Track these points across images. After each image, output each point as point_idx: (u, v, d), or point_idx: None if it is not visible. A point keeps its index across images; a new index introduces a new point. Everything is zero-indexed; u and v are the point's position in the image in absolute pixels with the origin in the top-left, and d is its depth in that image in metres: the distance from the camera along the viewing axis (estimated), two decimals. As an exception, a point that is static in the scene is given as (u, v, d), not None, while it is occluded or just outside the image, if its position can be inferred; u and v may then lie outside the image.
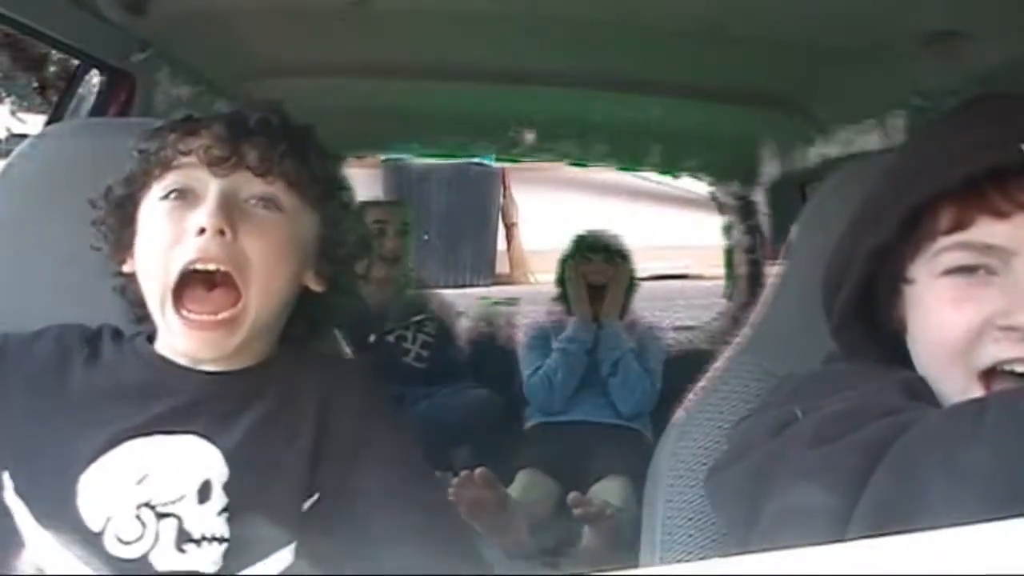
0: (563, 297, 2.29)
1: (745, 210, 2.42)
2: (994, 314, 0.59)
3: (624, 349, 2.16)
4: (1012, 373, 0.58)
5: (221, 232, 0.73)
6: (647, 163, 2.62)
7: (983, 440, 0.48)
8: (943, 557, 0.29)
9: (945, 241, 0.61)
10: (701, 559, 0.76)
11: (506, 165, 6.14)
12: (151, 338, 0.81)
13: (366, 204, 2.29)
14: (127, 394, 0.77)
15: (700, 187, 2.62)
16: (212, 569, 0.71)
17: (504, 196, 7.19)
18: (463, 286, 5.94)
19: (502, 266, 7.16)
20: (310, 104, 1.08)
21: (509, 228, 7.23)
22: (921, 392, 0.61)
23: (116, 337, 0.82)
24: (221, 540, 0.71)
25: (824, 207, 0.82)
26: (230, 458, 0.73)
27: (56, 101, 1.54)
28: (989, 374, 0.59)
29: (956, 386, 0.61)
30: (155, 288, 0.76)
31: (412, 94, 1.86)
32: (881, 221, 0.64)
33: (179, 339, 0.75)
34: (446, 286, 4.21)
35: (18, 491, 0.73)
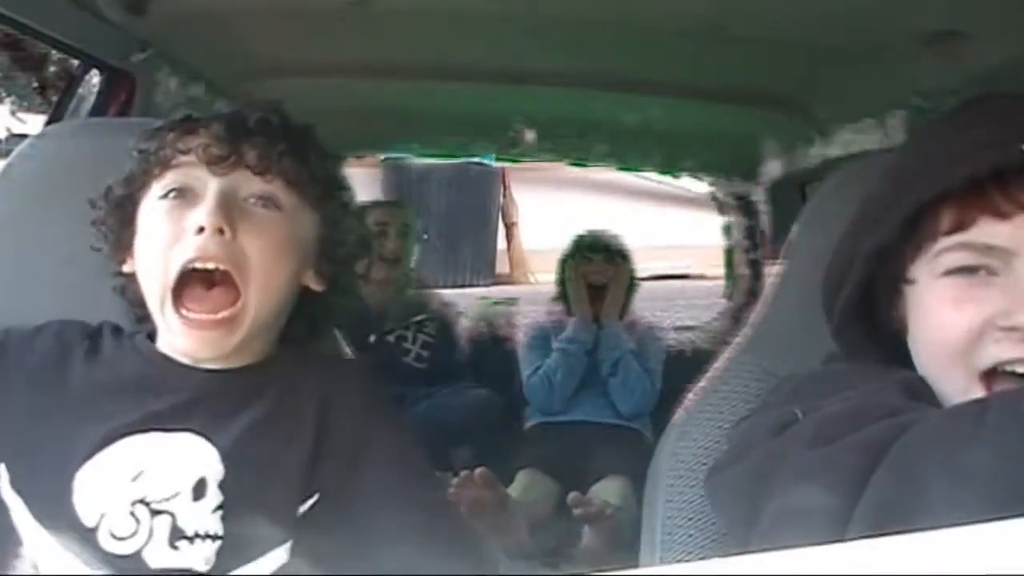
0: (563, 297, 2.29)
1: (745, 210, 2.42)
2: (995, 314, 0.59)
3: (624, 349, 2.16)
4: (1013, 374, 0.58)
5: (220, 231, 0.74)
6: (647, 163, 2.62)
7: (983, 440, 0.47)
8: (943, 557, 0.29)
9: (946, 241, 0.61)
10: (701, 559, 0.76)
11: (506, 165, 6.14)
12: (152, 336, 0.81)
13: (367, 205, 2.29)
14: (126, 390, 0.77)
15: (701, 186, 2.62)
16: (205, 567, 0.71)
17: (504, 196, 7.19)
18: (463, 286, 5.93)
19: (502, 266, 7.15)
20: (310, 104, 1.08)
21: (509, 228, 7.23)
22: (922, 392, 0.61)
23: (116, 334, 0.83)
24: (215, 538, 0.71)
25: (824, 207, 0.82)
26: (226, 456, 0.74)
27: (56, 101, 1.54)
28: (990, 374, 0.59)
29: (957, 386, 0.60)
30: (154, 287, 0.76)
31: (412, 94, 1.86)
32: (882, 221, 0.64)
33: (178, 338, 0.76)
34: (446, 286, 4.21)
35: (15, 486, 0.73)
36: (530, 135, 2.09)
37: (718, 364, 0.83)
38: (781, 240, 0.86)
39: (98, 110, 1.42)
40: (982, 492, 0.46)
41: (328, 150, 0.84)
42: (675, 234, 5.70)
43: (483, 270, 7.02)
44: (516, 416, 2.23)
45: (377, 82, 1.77)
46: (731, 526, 0.70)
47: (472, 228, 6.96)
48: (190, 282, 0.75)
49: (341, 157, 0.92)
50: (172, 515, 0.71)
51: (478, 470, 1.65)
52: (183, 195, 0.76)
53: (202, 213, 0.74)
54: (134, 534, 0.71)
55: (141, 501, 0.71)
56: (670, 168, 2.62)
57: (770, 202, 2.27)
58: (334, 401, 0.80)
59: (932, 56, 1.21)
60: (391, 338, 2.27)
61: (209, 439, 0.74)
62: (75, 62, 1.46)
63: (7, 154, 0.92)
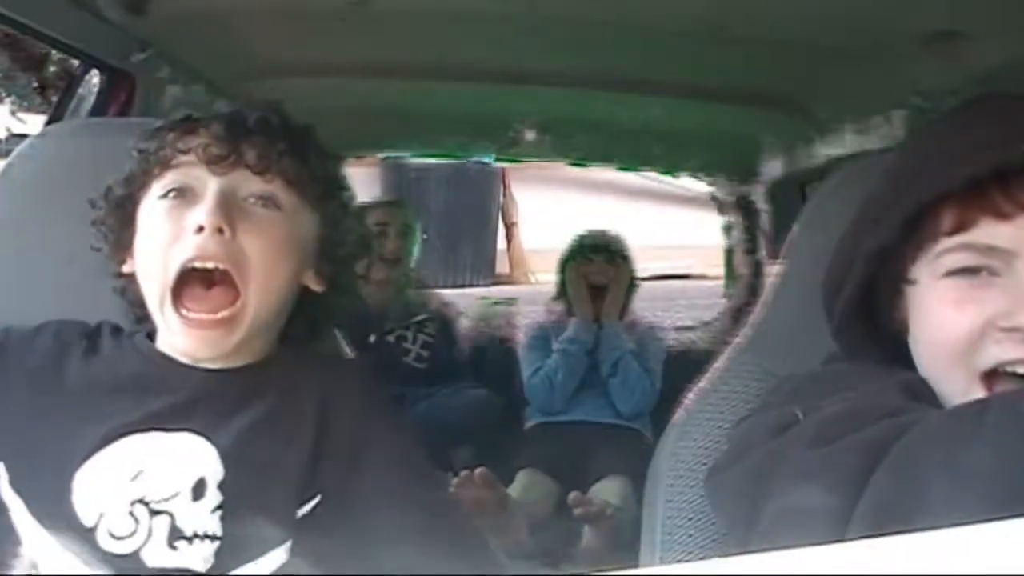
0: (563, 297, 2.29)
1: (745, 210, 2.42)
2: (996, 315, 0.58)
3: (624, 349, 2.16)
4: (1014, 374, 0.58)
5: (220, 230, 0.74)
6: (647, 163, 2.62)
7: (984, 441, 0.47)
8: (943, 557, 0.29)
9: (947, 242, 0.61)
10: (701, 559, 0.76)
11: (506, 164, 6.14)
12: (151, 336, 0.81)
13: (368, 205, 2.29)
14: (125, 390, 0.77)
15: (702, 186, 2.62)
16: (203, 567, 0.71)
17: (504, 195, 7.19)
18: (463, 286, 5.94)
19: (502, 266, 7.15)
20: (310, 104, 1.08)
21: (509, 227, 7.23)
22: (922, 393, 0.61)
23: (116, 333, 0.83)
24: (213, 538, 0.71)
25: (824, 207, 0.82)
26: (226, 456, 0.74)
27: (56, 101, 1.54)
28: (991, 375, 0.59)
29: (958, 387, 0.60)
30: (154, 287, 0.76)
31: (412, 94, 1.86)
32: (883, 222, 0.64)
33: (178, 338, 0.76)
34: (446, 286, 4.21)
35: (14, 485, 0.73)
36: (530, 135, 2.09)
37: (718, 364, 0.83)
38: (781, 240, 0.86)
39: (98, 110, 1.42)
40: (982, 492, 0.46)
41: (328, 150, 0.84)
42: (676, 234, 5.71)
43: (483, 270, 7.02)
44: (516, 416, 2.23)
45: (377, 82, 1.77)
46: (731, 526, 0.70)
47: (472, 228, 6.96)
48: (189, 281, 0.75)
49: (341, 157, 0.92)
50: (171, 515, 0.71)
51: (478, 470, 1.65)
52: (183, 195, 0.76)
53: (201, 212, 0.74)
54: (133, 534, 0.71)
55: (140, 501, 0.71)
56: (670, 168, 2.62)
57: (770, 202, 2.27)
58: (334, 401, 0.80)
59: (932, 56, 1.21)
60: (391, 338, 2.27)
61: (209, 439, 0.74)
62: (75, 62, 1.46)
63: (7, 154, 0.92)
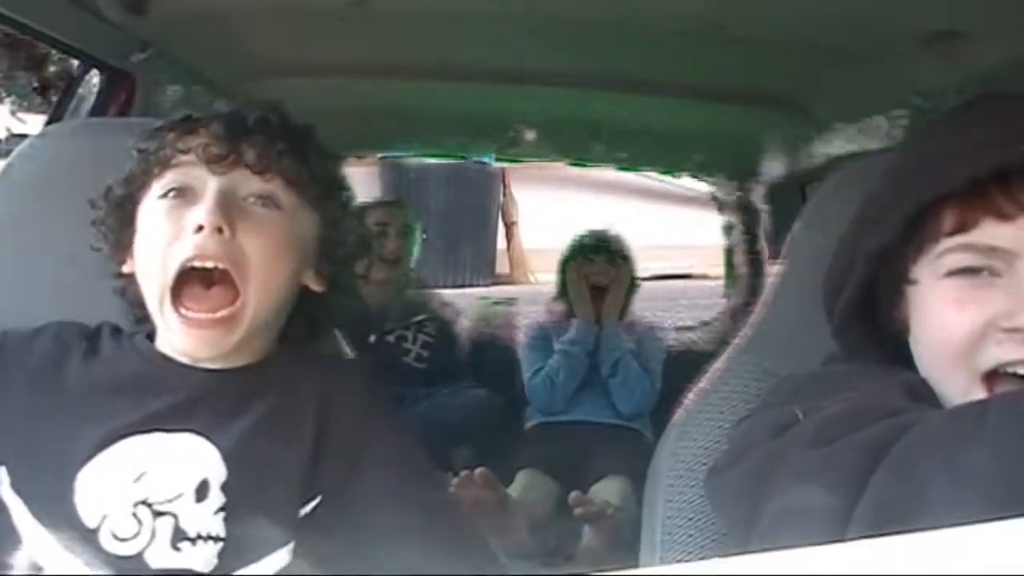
0: (564, 297, 2.28)
1: (745, 210, 2.42)
2: (997, 316, 0.58)
3: (624, 350, 2.16)
4: (1015, 375, 0.58)
5: (219, 230, 0.74)
6: (647, 163, 2.62)
7: (983, 441, 0.47)
8: (943, 557, 0.29)
9: (948, 243, 0.61)
10: (701, 559, 0.76)
11: (506, 164, 6.14)
12: (151, 336, 0.81)
13: (368, 205, 2.29)
14: (125, 390, 0.77)
15: (703, 185, 2.61)
16: (207, 568, 0.71)
17: (504, 194, 7.19)
18: (462, 286, 5.93)
19: (502, 266, 7.15)
20: (310, 104, 1.08)
21: (509, 227, 7.22)
22: (923, 394, 0.61)
23: (115, 334, 0.83)
24: (217, 539, 0.71)
25: (824, 207, 0.82)
26: (228, 457, 0.73)
27: (56, 101, 1.54)
28: (991, 376, 0.59)
29: (958, 388, 0.60)
30: (153, 286, 0.76)
31: (412, 94, 1.86)
32: (883, 222, 0.64)
33: (178, 337, 0.76)
34: (445, 286, 4.21)
35: (15, 487, 0.73)
36: (530, 135, 2.09)
37: (718, 364, 0.83)
38: (781, 240, 0.86)
39: (98, 110, 1.42)
40: (982, 493, 0.46)
41: (328, 150, 0.84)
42: (678, 233, 5.70)
43: (483, 270, 7.01)
44: (516, 416, 2.23)
45: (377, 82, 1.77)
46: (731, 527, 0.70)
47: (471, 227, 6.95)
48: (189, 281, 0.75)
49: (341, 157, 0.92)
50: (174, 516, 0.71)
51: (478, 470, 1.65)
52: (182, 194, 0.76)
53: (201, 212, 0.74)
54: (136, 535, 0.71)
55: (143, 502, 0.71)
56: (670, 168, 2.62)
57: (770, 202, 2.27)
58: (334, 401, 0.80)
59: (932, 56, 1.21)
60: (391, 338, 2.27)
61: (210, 440, 0.74)
62: (75, 62, 1.46)
63: (7, 154, 0.92)
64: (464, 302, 2.67)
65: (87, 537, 0.70)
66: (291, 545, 0.74)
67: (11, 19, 1.19)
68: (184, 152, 0.77)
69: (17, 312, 0.83)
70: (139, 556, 0.70)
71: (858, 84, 1.47)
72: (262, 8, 1.41)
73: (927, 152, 0.65)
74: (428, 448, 0.85)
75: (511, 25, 1.41)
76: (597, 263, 2.24)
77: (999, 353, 0.58)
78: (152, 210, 0.78)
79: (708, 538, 0.76)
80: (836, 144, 1.65)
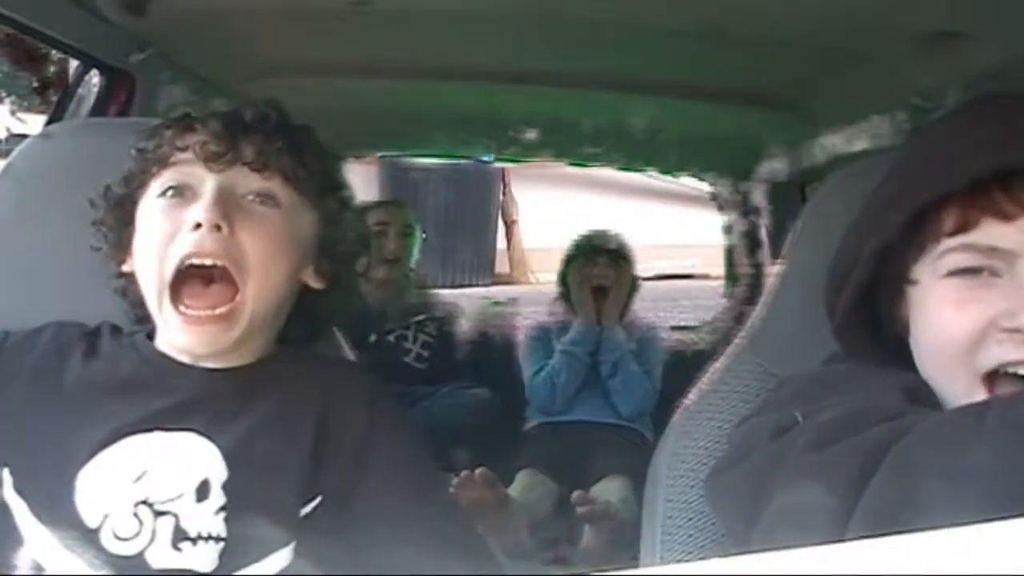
0: (565, 298, 2.28)
1: (745, 210, 2.42)
2: (997, 316, 0.58)
3: (624, 350, 2.16)
4: (1015, 375, 0.58)
5: (218, 227, 0.73)
6: (647, 163, 2.62)
7: (983, 442, 0.47)
8: (943, 557, 0.29)
9: (949, 243, 0.61)
10: (701, 559, 0.76)
11: (505, 165, 6.14)
12: (151, 336, 0.81)
13: (369, 205, 2.29)
14: (126, 390, 0.77)
15: (705, 184, 2.61)
16: (208, 568, 0.71)
17: (504, 193, 7.19)
18: (462, 286, 5.93)
19: (502, 265, 7.15)
20: (310, 104, 1.07)
21: (509, 226, 7.23)
22: (922, 396, 0.61)
23: (115, 333, 0.82)
24: (218, 539, 0.71)
25: (824, 207, 0.82)
26: (229, 457, 0.73)
27: (56, 101, 1.54)
28: (992, 376, 0.59)
29: (959, 388, 0.60)
30: (152, 284, 0.76)
31: (412, 94, 1.86)
32: (884, 222, 0.64)
33: (177, 334, 0.75)
34: (445, 286, 4.21)
35: (17, 487, 0.73)
36: (530, 135, 2.09)
37: (718, 364, 0.83)
38: (781, 240, 0.86)
39: (98, 110, 1.42)
40: (981, 494, 0.46)
41: (326, 148, 0.84)
42: (680, 233, 5.70)
43: (483, 269, 7.02)
44: (516, 416, 2.23)
45: (377, 82, 1.77)
46: (731, 529, 0.70)
47: (471, 226, 6.95)
48: (188, 278, 0.75)
49: (340, 156, 0.92)
50: (175, 516, 0.71)
51: (478, 470, 1.65)
52: (181, 193, 0.76)
53: (199, 209, 0.74)
54: (137, 535, 0.71)
55: (144, 502, 0.71)
56: (670, 168, 2.62)
57: (770, 202, 2.26)
58: (335, 401, 0.80)
59: (932, 56, 1.21)
60: (391, 338, 2.27)
61: (211, 439, 0.74)
62: (75, 62, 1.46)
63: (7, 154, 0.92)
64: (464, 302, 2.67)
65: (88, 537, 0.70)
66: (292, 545, 0.74)
67: (11, 19, 1.19)
68: (182, 150, 0.77)
69: (17, 312, 0.83)
70: (140, 556, 0.70)
71: (858, 84, 1.47)
72: (262, 8, 1.41)
73: (927, 152, 0.65)
74: (428, 448, 0.85)
75: (511, 25, 1.41)
76: (599, 264, 2.24)
77: (999, 353, 0.58)
78: (151, 209, 0.78)
79: (708, 538, 0.76)
80: (836, 144, 1.65)
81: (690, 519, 0.77)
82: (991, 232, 0.59)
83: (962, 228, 0.60)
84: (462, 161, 4.33)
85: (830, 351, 0.72)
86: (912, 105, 1.36)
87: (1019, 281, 0.59)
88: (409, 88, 1.81)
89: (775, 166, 2.04)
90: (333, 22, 1.44)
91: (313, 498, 0.76)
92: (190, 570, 0.70)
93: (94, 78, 1.44)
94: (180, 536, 0.71)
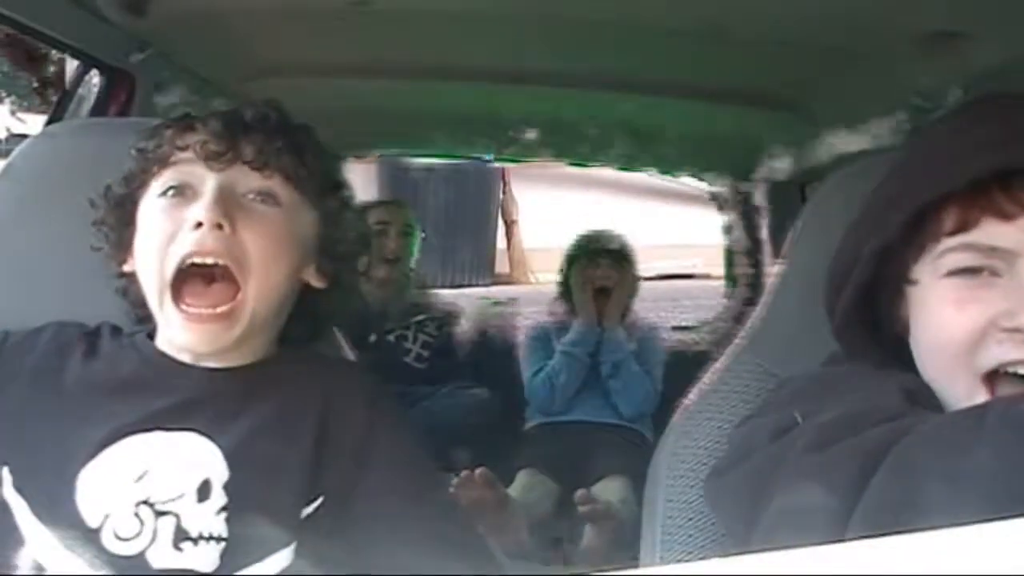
0: (566, 298, 2.28)
1: (745, 210, 2.42)
2: (998, 315, 0.58)
3: (626, 351, 2.16)
4: (1015, 375, 0.58)
5: (219, 226, 0.74)
6: (647, 163, 2.62)
7: (983, 443, 0.47)
8: (943, 557, 0.29)
9: (949, 242, 0.61)
10: (701, 559, 0.76)
11: (505, 165, 6.14)
12: (151, 336, 0.81)
13: (369, 205, 2.29)
14: (127, 390, 0.77)
15: (705, 184, 2.61)
16: (209, 568, 0.71)
17: (504, 193, 7.18)
18: (462, 286, 5.93)
19: (502, 265, 7.15)
20: (310, 104, 1.08)
21: (509, 226, 7.22)
22: (922, 397, 0.61)
23: (115, 334, 0.83)
24: (219, 539, 0.71)
25: (824, 207, 0.82)
26: (230, 457, 0.74)
27: (56, 101, 1.54)
28: (992, 376, 0.59)
29: (959, 388, 0.60)
30: (154, 284, 0.76)
31: (412, 94, 1.86)
32: (884, 222, 0.64)
33: (178, 332, 0.75)
34: (444, 286, 4.20)
35: (17, 486, 0.73)
36: (530, 135, 2.09)
37: (718, 364, 0.83)
38: (781, 240, 0.86)
39: (98, 110, 1.42)
40: (980, 496, 0.46)
41: (327, 147, 0.84)
42: (682, 233, 5.69)
43: (483, 269, 7.01)
44: (516, 416, 2.23)
45: (377, 82, 1.77)
46: (730, 530, 0.70)
47: (471, 226, 6.95)
48: (189, 277, 0.75)
49: (339, 155, 0.92)
50: (176, 516, 0.71)
51: (478, 470, 1.65)
52: (182, 192, 0.76)
53: (200, 208, 0.74)
54: (138, 535, 0.71)
55: (145, 502, 0.71)
56: (670, 168, 2.62)
57: (770, 202, 2.26)
58: (336, 401, 0.80)
59: (932, 56, 1.21)
60: (391, 338, 2.27)
61: (213, 439, 0.74)
62: (75, 62, 1.46)
63: (7, 154, 0.92)
64: (464, 302, 2.67)
65: (89, 537, 0.70)
66: (293, 545, 0.74)
67: (11, 19, 1.19)
68: (182, 150, 0.77)
69: (17, 312, 0.83)
70: (141, 556, 0.70)
71: (858, 84, 1.47)
72: (262, 8, 1.41)
73: (927, 152, 0.65)
74: (428, 448, 0.85)
75: (511, 25, 1.41)
76: (602, 266, 2.23)
77: (1000, 353, 0.58)
78: (151, 208, 0.78)
79: (708, 538, 0.76)
80: (836, 144, 1.65)
81: (690, 519, 0.77)
82: (991, 231, 0.59)
83: (962, 228, 0.60)
84: (462, 161, 4.32)
85: (830, 351, 0.72)
86: (912, 105, 1.36)
87: (1019, 281, 0.59)
88: (409, 88, 1.81)
89: (775, 166, 2.04)
90: (333, 22, 1.44)
91: (314, 499, 0.76)
92: (191, 570, 0.70)
93: (94, 78, 1.44)
94: (181, 536, 0.71)
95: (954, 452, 0.49)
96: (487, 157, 2.76)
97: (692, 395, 0.82)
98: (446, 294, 2.78)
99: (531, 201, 6.88)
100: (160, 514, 0.71)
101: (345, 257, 0.85)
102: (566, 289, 2.28)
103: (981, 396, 0.59)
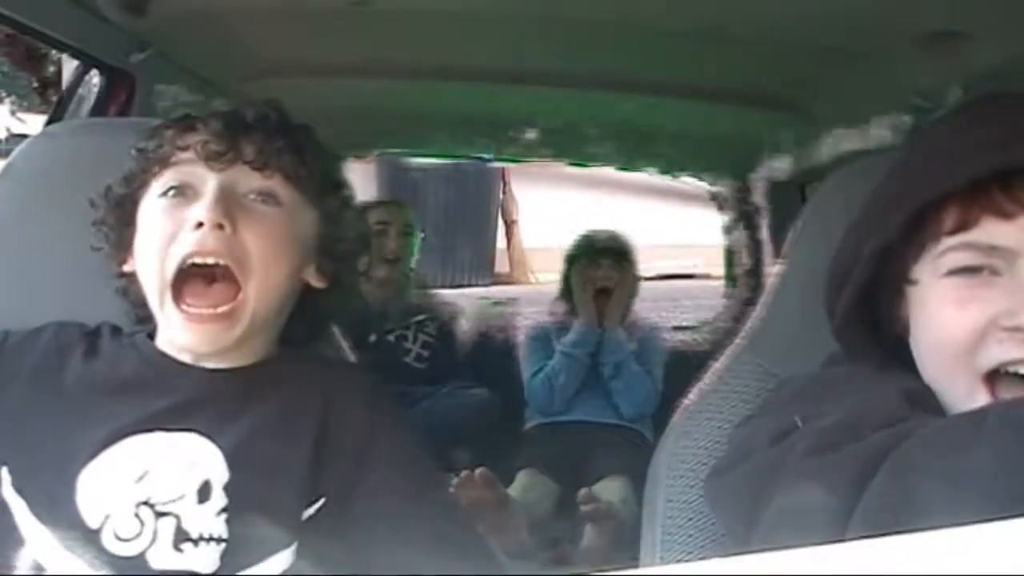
0: (566, 298, 2.28)
1: (745, 210, 2.42)
2: (998, 315, 0.58)
3: (626, 352, 2.16)
4: (1016, 375, 0.58)
5: (220, 226, 0.74)
6: (647, 163, 2.62)
7: (983, 443, 0.47)
8: (943, 557, 0.29)
9: (949, 241, 0.61)
10: (701, 559, 0.76)
11: (505, 164, 6.13)
12: (151, 336, 0.81)
13: (369, 205, 2.29)
14: (127, 390, 0.77)
15: (705, 184, 2.61)
16: (209, 569, 0.71)
17: (504, 192, 7.18)
18: (462, 285, 5.93)
19: (502, 265, 7.15)
20: (310, 104, 1.08)
21: (509, 226, 7.22)
22: (922, 400, 0.61)
23: (115, 334, 0.82)
24: (219, 540, 0.71)
25: (824, 207, 0.82)
26: (230, 458, 0.73)
27: (56, 101, 1.54)
28: (993, 375, 0.59)
29: (960, 388, 0.60)
30: (154, 284, 0.76)
31: (412, 94, 1.86)
32: (884, 221, 0.64)
33: (179, 332, 0.75)
34: (444, 286, 4.20)
35: (17, 487, 0.73)
36: (530, 135, 2.09)
37: (718, 364, 0.83)
38: (781, 240, 0.86)
39: (98, 110, 1.42)
40: (980, 497, 0.46)
41: (327, 147, 0.84)
42: (682, 232, 5.68)
43: (482, 269, 7.01)
44: (516, 416, 2.22)
45: (377, 82, 1.77)
46: (730, 531, 0.70)
47: (471, 226, 6.94)
48: (190, 277, 0.75)
49: (340, 155, 0.92)
50: (177, 517, 0.71)
51: (478, 470, 1.65)
52: (182, 192, 0.76)
53: (201, 208, 0.74)
54: (138, 536, 0.71)
55: (145, 503, 0.71)
56: (670, 168, 2.62)
57: (770, 202, 2.26)
58: (336, 402, 0.80)
59: (932, 56, 1.21)
60: (391, 338, 2.27)
61: (213, 440, 0.74)
62: (74, 62, 1.46)
63: (7, 154, 0.92)
64: (464, 302, 2.67)
65: (89, 537, 0.70)
66: (294, 546, 0.74)
67: (11, 19, 1.19)
68: (183, 150, 0.77)
69: (17, 312, 0.83)
70: (141, 556, 0.70)
71: (858, 84, 1.47)
72: (262, 8, 1.41)
73: (928, 152, 0.65)
74: (428, 448, 0.85)
75: (511, 25, 1.41)
76: (603, 266, 2.22)
77: (1000, 352, 0.58)
78: (152, 208, 0.78)
79: (708, 538, 0.76)
80: (836, 144, 1.65)
81: (690, 519, 0.77)
82: (991, 230, 0.59)
83: (962, 227, 0.60)
84: (462, 161, 4.32)
85: (830, 351, 0.71)
86: (912, 105, 1.36)
87: (1019, 280, 0.59)
88: (409, 88, 1.81)
89: (775, 166, 2.04)
90: (333, 22, 1.44)
91: (316, 500, 0.76)
92: (191, 571, 0.70)
93: (94, 78, 1.44)
94: (182, 537, 0.71)
95: (954, 452, 0.49)
96: (487, 157, 2.76)
97: (692, 395, 0.82)
98: (446, 294, 2.78)
99: (531, 201, 6.88)
100: (160, 515, 0.71)
101: (345, 257, 0.85)
102: (566, 289, 2.27)
103: (981, 395, 0.59)
